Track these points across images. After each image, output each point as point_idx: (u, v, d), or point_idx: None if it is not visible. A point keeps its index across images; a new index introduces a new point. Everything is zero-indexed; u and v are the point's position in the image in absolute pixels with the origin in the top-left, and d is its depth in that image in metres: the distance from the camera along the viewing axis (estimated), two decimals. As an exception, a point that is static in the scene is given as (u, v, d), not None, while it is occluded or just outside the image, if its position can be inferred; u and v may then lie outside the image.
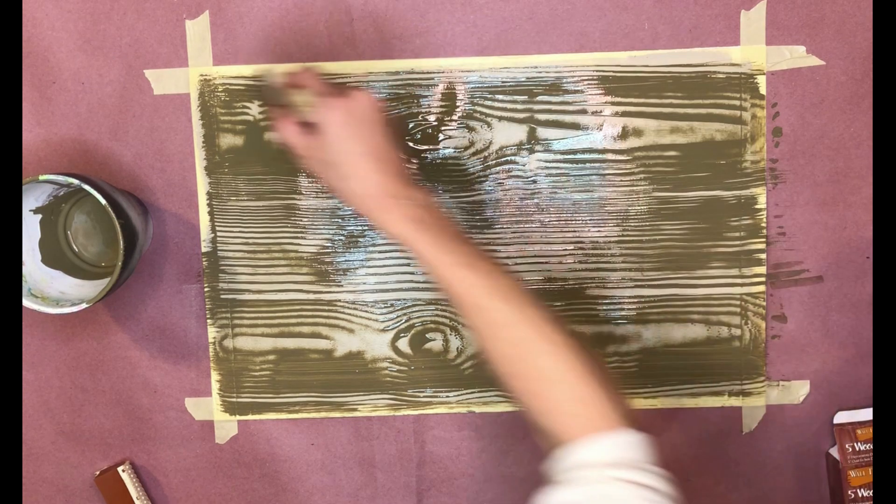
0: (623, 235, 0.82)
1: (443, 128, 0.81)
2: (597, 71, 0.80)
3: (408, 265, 0.83)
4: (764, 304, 0.82)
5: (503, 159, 0.81)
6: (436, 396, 0.84)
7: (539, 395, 0.60)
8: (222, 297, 0.83)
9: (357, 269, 0.83)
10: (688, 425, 0.84)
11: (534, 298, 0.62)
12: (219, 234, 0.83)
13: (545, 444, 0.61)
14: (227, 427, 0.85)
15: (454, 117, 0.81)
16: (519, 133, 0.81)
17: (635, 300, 0.82)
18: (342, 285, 0.83)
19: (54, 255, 0.80)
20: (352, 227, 0.82)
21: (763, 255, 0.81)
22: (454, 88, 0.81)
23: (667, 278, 0.82)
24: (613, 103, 0.80)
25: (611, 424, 0.57)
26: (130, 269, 0.76)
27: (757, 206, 0.81)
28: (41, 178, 0.72)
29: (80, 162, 0.82)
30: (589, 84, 0.80)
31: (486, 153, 0.81)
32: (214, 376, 0.84)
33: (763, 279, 0.82)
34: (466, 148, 0.81)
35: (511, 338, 0.61)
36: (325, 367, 0.84)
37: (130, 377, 0.84)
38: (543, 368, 0.60)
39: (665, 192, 0.81)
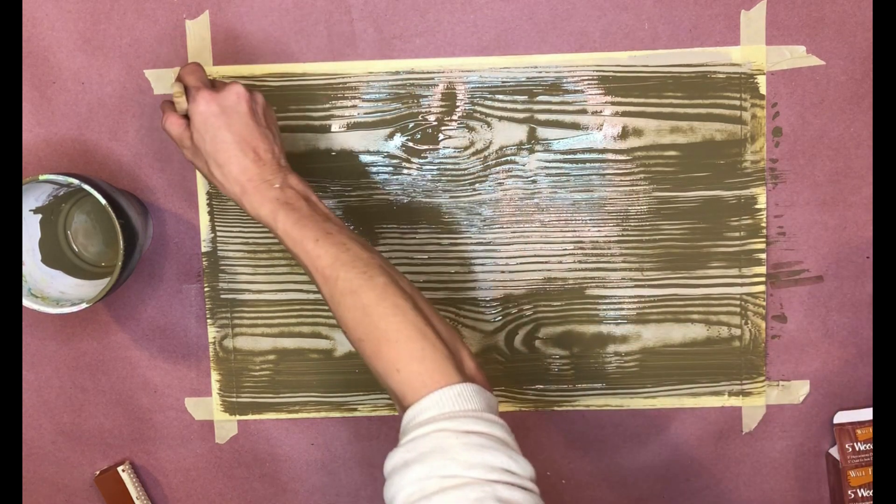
0: (623, 235, 0.82)
1: (443, 128, 0.81)
2: (597, 71, 0.80)
3: (408, 265, 0.83)
4: (764, 304, 0.82)
5: (503, 159, 0.81)
6: (436, 396, 0.84)
7: (382, 357, 0.61)
8: (222, 297, 0.83)
9: (357, 269, 0.83)
10: (688, 425, 0.84)
11: (381, 265, 0.64)
12: (219, 234, 0.83)
13: (396, 406, 0.62)
14: (227, 427, 0.85)
15: (454, 117, 0.81)
16: (519, 133, 0.81)
17: (635, 300, 0.82)
18: (342, 285, 0.83)
19: (54, 255, 0.80)
20: (352, 228, 0.82)
21: (763, 255, 0.81)
22: (454, 88, 0.81)
23: (667, 278, 0.82)
24: (613, 103, 0.80)
25: (447, 379, 0.59)
26: (130, 269, 0.76)
27: (757, 206, 0.81)
28: (41, 178, 0.72)
29: (80, 162, 0.82)
30: (589, 84, 0.80)
31: (486, 153, 0.81)
32: (214, 376, 0.84)
33: (763, 279, 0.82)
34: (466, 148, 0.81)
35: (356, 304, 0.62)
36: (325, 367, 0.84)
37: (130, 377, 0.84)
38: (384, 330, 0.61)
39: (665, 192, 0.81)
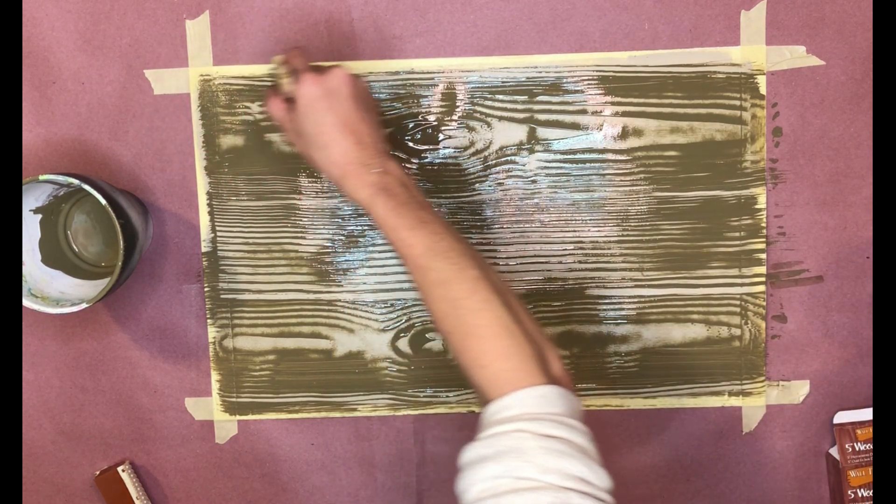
0: (623, 235, 0.82)
1: (443, 128, 0.81)
2: (597, 71, 0.80)
3: (408, 265, 0.83)
4: (764, 304, 0.82)
5: (503, 159, 0.81)
6: (436, 396, 0.84)
7: (468, 351, 0.61)
8: (222, 297, 0.83)
9: (357, 269, 0.83)
10: (688, 425, 0.84)
11: (475, 259, 0.64)
12: (219, 234, 0.83)
13: (479, 400, 0.62)
14: (227, 427, 0.85)
15: (454, 117, 0.81)
16: (519, 133, 0.81)
17: (635, 300, 0.82)
18: (342, 285, 0.83)
19: (54, 255, 0.80)
20: (352, 227, 0.82)
21: (763, 255, 0.81)
22: (454, 88, 0.81)
23: (667, 278, 0.82)
24: (613, 103, 0.80)
25: (532, 379, 0.59)
26: (130, 269, 0.76)
27: (757, 206, 0.81)
28: (41, 178, 0.72)
29: (80, 162, 0.82)
30: (589, 84, 0.80)
31: (486, 153, 0.81)
32: (214, 376, 0.84)
33: (763, 279, 0.82)
34: (466, 148, 0.81)
35: (446, 296, 0.62)
36: (325, 367, 0.84)
37: (130, 377, 0.84)
38: (473, 325, 0.61)
39: (665, 192, 0.81)
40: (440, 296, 0.63)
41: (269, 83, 0.74)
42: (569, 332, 0.83)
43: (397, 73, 0.80)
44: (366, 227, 0.82)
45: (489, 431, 0.57)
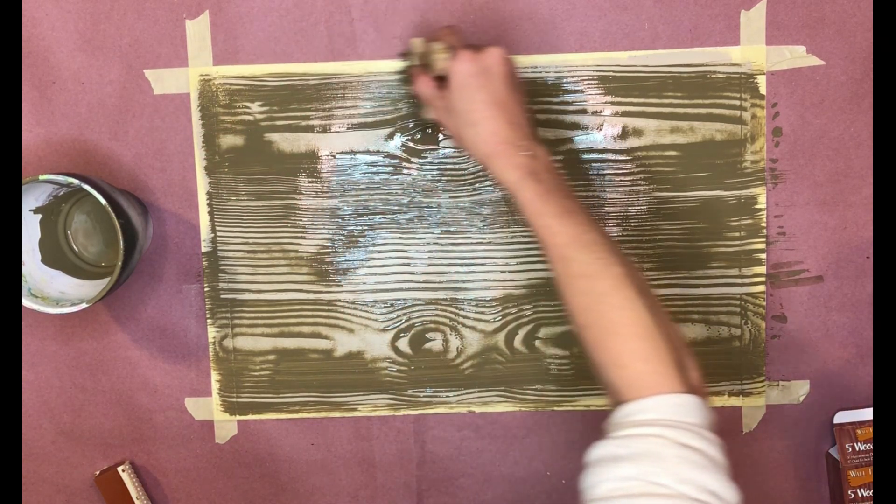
0: (623, 235, 0.82)
1: (443, 128, 0.81)
2: (597, 71, 0.80)
3: (408, 265, 0.83)
4: (764, 304, 0.82)
5: (503, 159, 0.81)
6: (436, 396, 0.84)
7: (606, 349, 0.60)
8: (222, 297, 0.83)
9: (357, 269, 0.83)
10: (688, 425, 0.83)
11: (620, 255, 0.63)
12: (219, 234, 0.83)
13: (609, 398, 0.62)
14: (227, 427, 0.85)
15: (454, 117, 0.81)
16: (519, 133, 0.81)
17: (635, 300, 0.82)
18: (342, 285, 0.83)
19: (54, 255, 0.80)
20: (352, 227, 0.82)
21: (763, 255, 0.81)
22: (454, 88, 0.81)
23: (667, 278, 0.82)
24: (613, 103, 0.80)
25: (671, 386, 0.58)
26: (130, 269, 0.76)
27: (757, 206, 0.81)
28: (41, 178, 0.72)
29: (80, 162, 0.82)
30: (589, 84, 0.80)
31: (486, 153, 0.81)
32: (214, 376, 0.84)
33: (763, 279, 0.82)
34: (466, 148, 0.81)
35: (588, 289, 0.62)
36: (325, 367, 0.84)
37: (130, 377, 0.84)
38: (615, 322, 0.60)
39: (665, 192, 0.81)
40: (581, 289, 0.62)
41: (414, 63, 0.75)
42: (569, 332, 0.83)
43: (397, 73, 0.80)
44: (366, 228, 0.82)
45: (625, 432, 0.57)
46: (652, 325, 0.60)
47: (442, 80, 0.71)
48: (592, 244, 0.63)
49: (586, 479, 0.57)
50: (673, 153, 0.81)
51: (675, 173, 0.81)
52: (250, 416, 0.85)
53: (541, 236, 0.65)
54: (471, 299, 0.83)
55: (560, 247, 0.63)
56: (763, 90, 0.80)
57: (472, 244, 0.82)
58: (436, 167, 0.81)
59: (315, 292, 0.83)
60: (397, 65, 0.80)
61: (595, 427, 0.84)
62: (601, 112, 0.81)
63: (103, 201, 0.72)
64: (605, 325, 0.61)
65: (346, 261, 0.83)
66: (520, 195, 0.66)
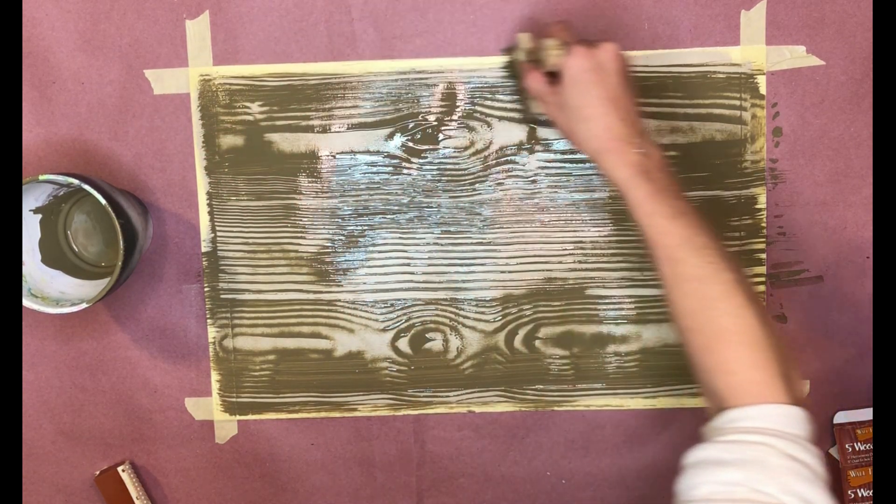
0: (623, 235, 0.82)
1: (443, 128, 0.81)
2: (597, 71, 0.80)
3: (408, 265, 0.83)
4: (764, 304, 0.82)
5: (503, 159, 0.81)
6: (436, 396, 0.84)
7: (714, 354, 0.60)
8: (222, 297, 0.83)
9: (357, 269, 0.83)
10: (688, 425, 0.84)
11: (731, 261, 0.63)
12: (219, 234, 0.83)
13: (709, 402, 0.62)
14: (227, 427, 0.85)
15: (454, 117, 0.81)
16: (519, 133, 0.81)
17: (635, 300, 0.82)
18: (342, 285, 0.83)
19: (54, 255, 0.80)
20: (352, 227, 0.82)
21: (763, 255, 0.81)
22: (454, 88, 0.81)
23: (667, 278, 0.82)
24: (613, 103, 0.80)
25: (779, 396, 0.58)
26: (130, 269, 0.76)
27: (757, 206, 0.81)
28: (41, 178, 0.72)
29: (80, 162, 0.82)
30: (589, 84, 0.80)
31: (486, 153, 0.81)
32: (214, 376, 0.84)
33: (763, 279, 0.82)
34: (466, 148, 0.81)
35: (698, 293, 0.61)
36: (325, 367, 0.84)
37: (130, 377, 0.84)
38: (725, 328, 0.60)
39: (665, 192, 0.81)
40: (690, 291, 0.62)
41: (521, 58, 0.75)
42: (569, 332, 0.83)
43: (397, 73, 0.80)
44: (366, 228, 0.82)
45: (729, 437, 0.57)
46: (762, 335, 0.60)
47: (553, 76, 0.71)
48: (704, 247, 0.62)
49: (685, 481, 0.57)
50: (673, 153, 0.81)
51: (675, 173, 0.81)
52: (250, 416, 0.85)
53: (650, 236, 0.64)
54: (471, 299, 0.83)
55: (670, 248, 0.63)
56: (763, 90, 0.80)
57: (472, 244, 0.82)
58: (436, 167, 0.81)
59: (315, 292, 0.83)
60: (500, 60, 0.80)
61: (595, 427, 0.84)
62: (601, 112, 0.81)
63: (103, 201, 0.72)
64: (715, 330, 0.60)
65: (346, 261, 0.83)
66: (630, 193, 0.65)
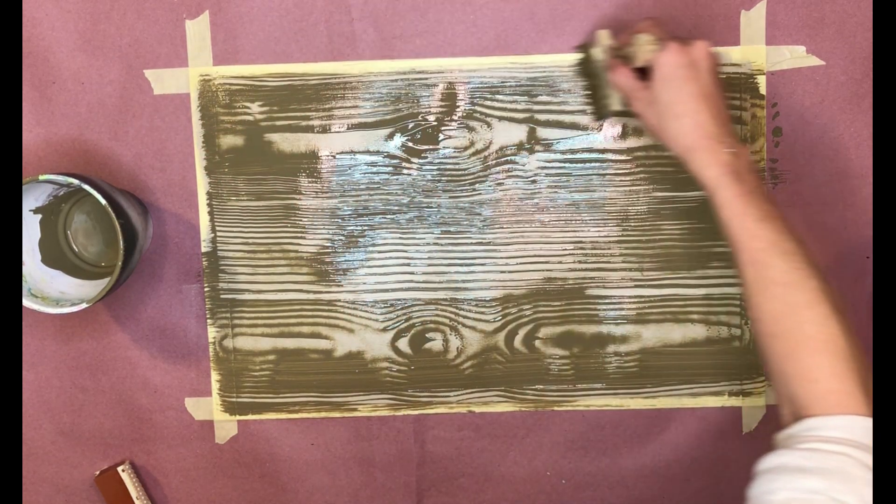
0: (623, 235, 0.82)
1: (443, 128, 0.81)
2: (597, 71, 0.80)
3: (408, 265, 0.83)
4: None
5: (503, 159, 0.81)
6: (436, 396, 0.84)
7: (796, 361, 0.60)
8: (222, 297, 0.83)
9: (357, 269, 0.83)
10: (688, 425, 0.84)
11: (817, 268, 0.62)
12: (219, 234, 0.83)
13: (785, 409, 0.62)
14: (227, 427, 0.85)
15: (454, 117, 0.81)
16: (519, 133, 0.81)
17: (635, 300, 0.82)
18: (342, 285, 0.83)
19: (54, 255, 0.80)
20: (352, 227, 0.82)
21: (763, 255, 0.81)
22: (454, 88, 0.81)
23: (667, 278, 0.82)
24: (613, 103, 0.80)
25: (861, 408, 0.58)
26: (130, 269, 0.76)
27: (757, 206, 0.81)
28: (41, 178, 0.72)
29: (80, 162, 0.82)
30: (589, 84, 0.80)
31: (486, 153, 0.81)
32: (214, 376, 0.84)
33: (763, 279, 0.82)
34: (466, 148, 0.81)
35: (783, 298, 0.61)
36: (325, 367, 0.84)
37: (130, 377, 0.84)
38: (809, 336, 0.60)
39: (665, 192, 0.81)
40: (776, 296, 0.61)
41: (598, 55, 0.75)
42: (569, 332, 0.83)
43: (397, 73, 0.80)
44: (366, 228, 0.82)
45: (809, 445, 0.56)
46: (846, 345, 0.59)
47: (642, 72, 0.71)
48: (791, 253, 0.62)
49: (761, 486, 0.57)
50: (673, 153, 0.81)
51: (675, 173, 0.81)
52: (250, 416, 0.85)
53: (735, 238, 0.64)
54: (471, 299, 0.83)
55: (757, 251, 0.63)
56: (763, 90, 0.80)
57: (472, 244, 0.82)
58: (436, 167, 0.81)
59: (315, 292, 0.83)
60: (573, 57, 0.79)
61: (595, 427, 0.84)
62: (601, 112, 0.81)
63: (103, 201, 0.72)
64: (799, 337, 0.60)
65: (346, 261, 0.83)
66: (719, 193, 0.65)
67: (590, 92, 0.79)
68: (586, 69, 0.78)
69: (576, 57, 0.79)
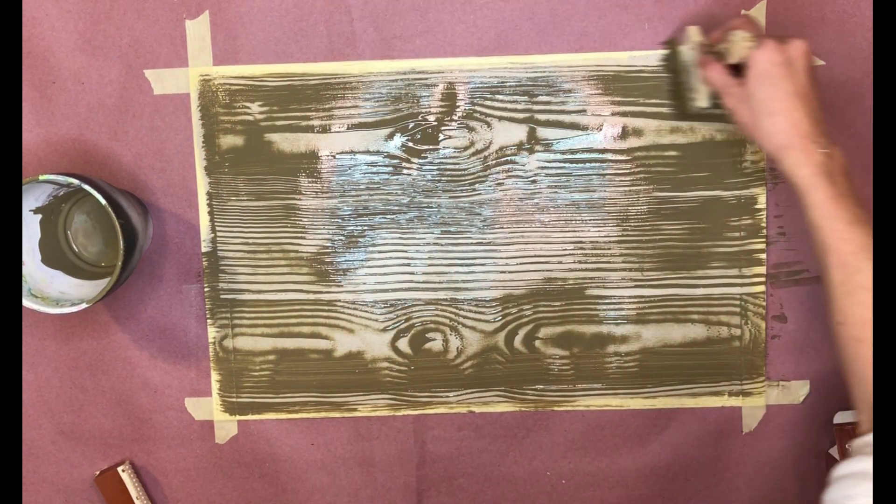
0: (623, 235, 0.82)
1: (443, 128, 0.81)
2: (597, 71, 0.80)
3: (408, 265, 0.83)
4: (764, 304, 0.82)
5: (503, 159, 0.81)
6: (436, 396, 0.84)
7: None
8: (222, 297, 0.83)
9: (357, 269, 0.83)
10: (688, 425, 0.84)
11: None
12: (219, 234, 0.83)
13: (863, 415, 0.61)
14: (227, 427, 0.85)
15: (454, 117, 0.81)
16: (519, 133, 0.81)
17: (635, 300, 0.82)
18: (342, 285, 0.83)
19: (54, 255, 0.80)
20: (352, 227, 0.82)
21: (763, 255, 0.81)
22: (454, 88, 0.81)
23: (667, 278, 0.82)
24: (613, 103, 0.80)
25: None
26: (130, 269, 0.76)
27: (757, 206, 0.81)
28: (41, 178, 0.72)
29: (80, 162, 0.82)
30: (589, 84, 0.80)
31: (486, 153, 0.81)
32: (214, 376, 0.84)
33: (763, 279, 0.82)
34: (466, 148, 0.81)
35: (871, 304, 0.60)
36: (325, 367, 0.84)
37: (130, 377, 0.84)
38: None
39: (665, 192, 0.81)
40: (864, 302, 0.61)
41: (687, 52, 0.75)
42: (569, 333, 0.83)
43: (397, 73, 0.80)
44: (366, 228, 0.82)
45: None
46: None
47: (735, 69, 0.71)
48: None
49: (837, 491, 0.57)
50: (673, 153, 0.81)
51: (675, 173, 0.81)
52: (250, 416, 0.85)
53: (824, 240, 0.63)
54: (471, 299, 0.83)
55: (847, 254, 0.62)
56: (763, 90, 0.80)
57: (472, 244, 0.82)
58: (436, 167, 0.81)
59: (315, 292, 0.83)
60: (659, 53, 0.79)
61: (595, 427, 0.84)
62: (601, 112, 0.81)
63: (103, 201, 0.72)
64: None
65: (346, 261, 0.83)
66: (810, 194, 0.64)
67: (675, 88, 0.79)
68: (672, 65, 0.78)
69: (662, 53, 0.79)
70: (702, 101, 0.75)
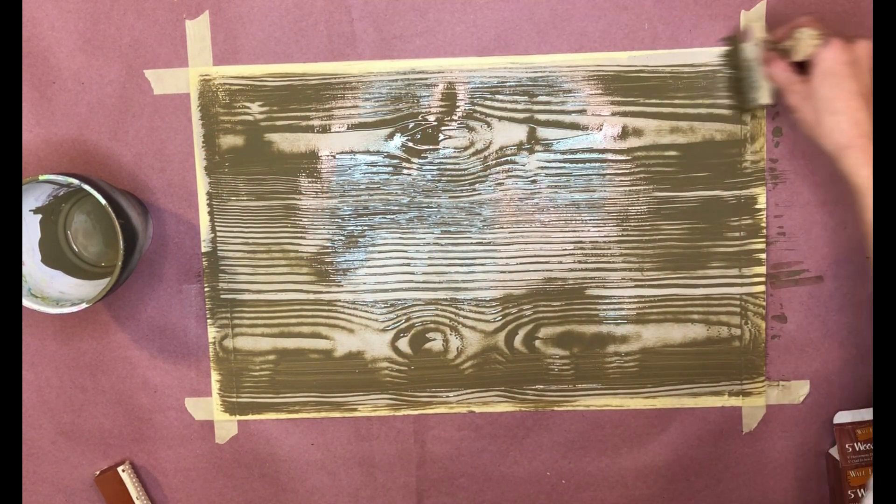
0: (623, 235, 0.82)
1: (443, 128, 0.81)
2: (597, 71, 0.80)
3: (408, 265, 0.83)
4: (764, 304, 0.82)
5: (503, 159, 0.81)
6: (436, 396, 0.84)
7: None
8: (222, 297, 0.83)
9: (357, 269, 0.83)
10: (688, 425, 0.84)
11: None
12: (219, 234, 0.83)
13: None
14: (227, 427, 0.85)
15: (454, 117, 0.81)
16: (519, 133, 0.81)
17: (635, 300, 0.82)
18: (342, 285, 0.83)
19: (54, 255, 0.80)
20: (352, 227, 0.82)
21: (763, 255, 0.81)
22: (454, 88, 0.81)
23: (667, 278, 0.82)
24: (613, 103, 0.80)
25: None
26: (130, 269, 0.76)
27: (757, 206, 0.81)
28: (41, 178, 0.72)
29: (80, 162, 0.82)
30: (589, 84, 0.80)
31: (486, 153, 0.81)
32: (214, 376, 0.84)
33: (763, 279, 0.82)
34: (466, 148, 0.81)
35: None
36: (325, 367, 0.84)
37: (130, 377, 0.84)
38: None
39: (665, 192, 0.81)
40: None
41: (748, 49, 0.76)
42: (569, 333, 0.83)
43: (397, 72, 0.80)
44: (366, 228, 0.82)
45: None
46: None
47: (800, 67, 0.71)
48: None
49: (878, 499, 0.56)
50: (673, 153, 0.81)
51: (675, 173, 0.81)
52: (250, 416, 0.85)
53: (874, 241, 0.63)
54: (471, 299, 0.83)
55: None
56: (763, 90, 0.80)
57: (472, 244, 0.82)
58: (436, 167, 0.81)
59: (315, 292, 0.83)
60: (718, 51, 0.79)
61: (595, 427, 0.84)
62: (601, 112, 0.81)
63: (103, 201, 0.72)
64: None
65: (346, 261, 0.83)
66: (868, 196, 0.65)
67: (736, 84, 0.79)
68: (734, 61, 0.78)
69: (723, 49, 0.79)
70: (764, 97, 0.76)
